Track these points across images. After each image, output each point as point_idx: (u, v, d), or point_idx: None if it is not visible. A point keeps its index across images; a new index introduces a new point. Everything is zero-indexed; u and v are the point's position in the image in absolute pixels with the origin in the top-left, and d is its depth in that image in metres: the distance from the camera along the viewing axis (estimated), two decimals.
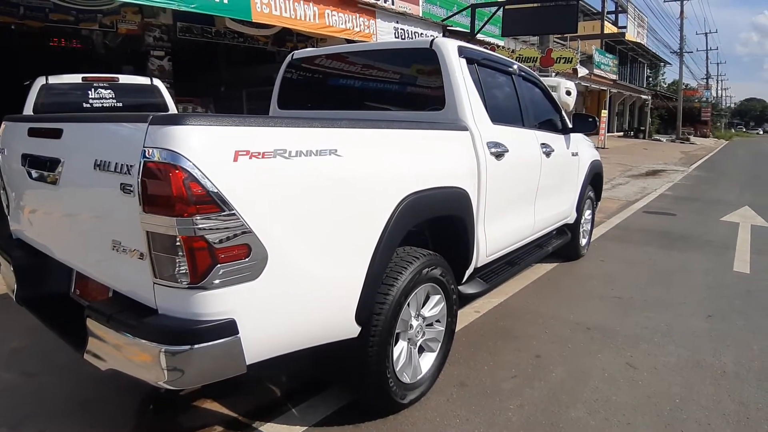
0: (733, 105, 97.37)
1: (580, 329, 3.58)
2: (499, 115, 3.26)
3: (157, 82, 6.63)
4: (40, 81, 5.68)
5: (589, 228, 5.63)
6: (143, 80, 6.68)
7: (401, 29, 10.77)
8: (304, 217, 1.83)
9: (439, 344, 2.74)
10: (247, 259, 1.63)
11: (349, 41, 9.37)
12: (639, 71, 43.94)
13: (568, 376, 2.93)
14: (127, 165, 1.65)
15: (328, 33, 9.44)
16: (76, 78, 5.96)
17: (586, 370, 3.01)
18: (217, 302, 1.60)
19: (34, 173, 2.26)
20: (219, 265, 1.57)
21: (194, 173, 1.52)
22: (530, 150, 3.70)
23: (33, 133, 2.31)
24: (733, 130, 70.48)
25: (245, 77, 14.14)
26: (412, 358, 2.54)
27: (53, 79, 5.77)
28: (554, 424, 2.48)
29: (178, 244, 1.54)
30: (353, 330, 2.12)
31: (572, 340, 3.41)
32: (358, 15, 9.82)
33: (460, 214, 2.77)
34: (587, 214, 5.42)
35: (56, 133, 2.10)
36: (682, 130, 38.68)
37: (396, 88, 3.41)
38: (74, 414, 2.51)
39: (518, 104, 3.73)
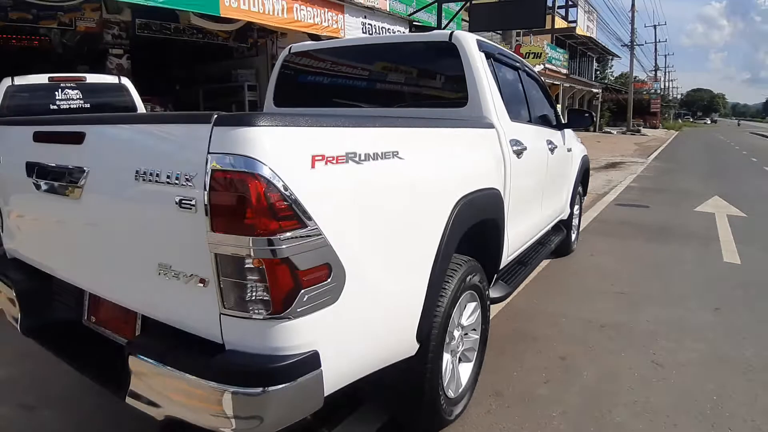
0: (680, 96, 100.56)
1: (593, 327, 3.54)
2: (515, 112, 3.17)
3: (125, 80, 6.27)
4: (6, 82, 5.32)
5: (577, 223, 5.63)
6: (111, 79, 6.34)
7: (369, 24, 10.61)
8: (373, 228, 1.65)
9: (475, 353, 2.62)
10: (328, 281, 1.43)
11: (313, 36, 9.13)
12: (588, 65, 44.95)
13: (599, 378, 2.87)
14: (184, 175, 1.40)
15: (295, 28, 9.19)
16: (42, 78, 5.59)
17: (614, 370, 2.96)
18: (300, 333, 1.39)
19: (44, 185, 1.95)
20: (303, 290, 1.37)
21: (275, 183, 1.31)
22: (541, 147, 3.63)
23: (41, 137, 2.00)
24: (680, 121, 72.97)
25: (204, 74, 13.66)
26: (455, 371, 2.41)
27: (19, 80, 5.42)
28: (603, 429, 2.41)
29: (255, 267, 1.33)
30: (413, 347, 1.96)
31: (590, 339, 3.36)
32: (326, 10, 9.61)
33: (495, 216, 2.65)
34: (576, 209, 5.42)
35: (77, 138, 1.80)
36: (633, 121, 39.95)
37: (410, 83, 3.24)
38: None
39: (525, 100, 3.64)
